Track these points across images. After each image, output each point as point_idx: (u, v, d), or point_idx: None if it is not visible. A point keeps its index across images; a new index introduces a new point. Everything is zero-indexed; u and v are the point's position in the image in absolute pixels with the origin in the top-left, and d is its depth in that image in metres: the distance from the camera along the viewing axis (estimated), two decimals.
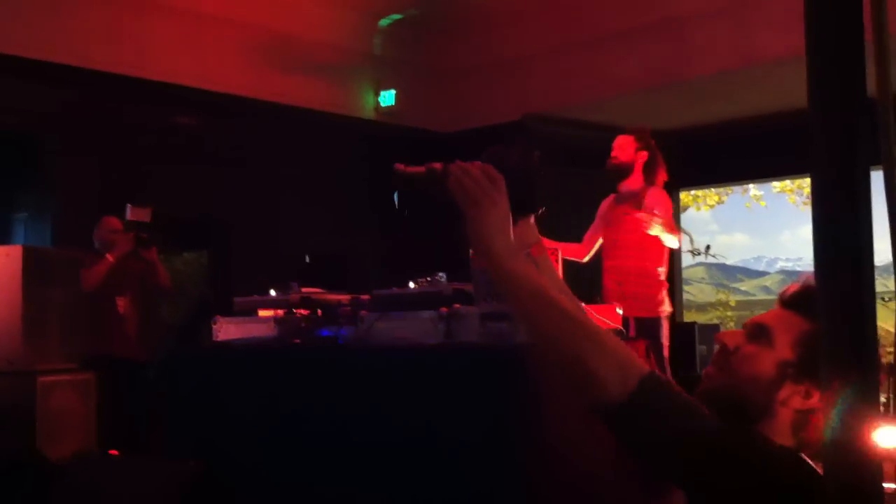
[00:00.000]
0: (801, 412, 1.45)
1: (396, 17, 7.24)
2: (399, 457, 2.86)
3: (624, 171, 4.75)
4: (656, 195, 4.69)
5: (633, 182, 4.74)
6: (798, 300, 1.50)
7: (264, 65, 6.66)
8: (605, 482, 2.39)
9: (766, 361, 1.48)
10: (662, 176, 4.77)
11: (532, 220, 1.69)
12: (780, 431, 1.45)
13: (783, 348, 1.47)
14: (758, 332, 1.51)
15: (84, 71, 5.79)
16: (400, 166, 1.51)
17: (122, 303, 5.40)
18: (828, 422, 0.76)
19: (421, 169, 1.51)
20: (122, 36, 6.00)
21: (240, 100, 6.51)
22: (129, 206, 5.26)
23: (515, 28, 7.17)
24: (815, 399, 1.43)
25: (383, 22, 7.28)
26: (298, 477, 3.11)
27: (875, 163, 0.72)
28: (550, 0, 6.92)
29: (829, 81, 0.72)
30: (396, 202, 1.52)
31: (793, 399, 1.45)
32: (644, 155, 4.72)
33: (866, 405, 0.74)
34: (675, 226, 4.65)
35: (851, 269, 0.73)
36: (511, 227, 1.45)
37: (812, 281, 0.81)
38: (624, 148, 4.75)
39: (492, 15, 7.17)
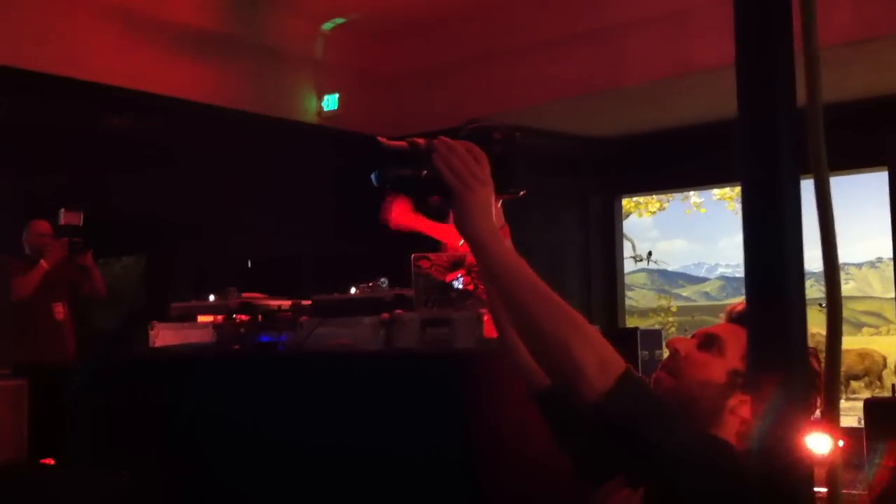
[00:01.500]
0: (746, 422, 1.48)
1: (339, 20, 7.20)
2: (338, 464, 2.83)
3: None
4: None
5: None
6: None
7: (201, 66, 6.56)
8: (551, 477, 2.40)
9: (718, 369, 1.52)
10: None
11: (500, 203, 1.61)
12: (727, 438, 1.47)
13: (734, 358, 1.52)
14: (709, 342, 1.55)
15: (13, 70, 5.64)
16: (382, 139, 1.41)
17: (58, 309, 5.28)
18: (756, 428, 0.76)
19: (403, 143, 1.40)
20: (53, 35, 5.86)
21: (176, 101, 6.40)
22: (62, 210, 5.15)
23: (456, 34, 7.19)
24: None
25: (326, 25, 7.23)
26: (234, 483, 3.06)
27: (805, 172, 0.73)
28: (491, 7, 6.95)
29: (759, 90, 0.73)
30: (375, 179, 1.40)
31: (741, 408, 1.49)
32: None
33: (797, 411, 0.74)
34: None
35: (781, 276, 0.74)
36: (493, 209, 1.39)
37: None
38: None
39: (433, 21, 7.17)
